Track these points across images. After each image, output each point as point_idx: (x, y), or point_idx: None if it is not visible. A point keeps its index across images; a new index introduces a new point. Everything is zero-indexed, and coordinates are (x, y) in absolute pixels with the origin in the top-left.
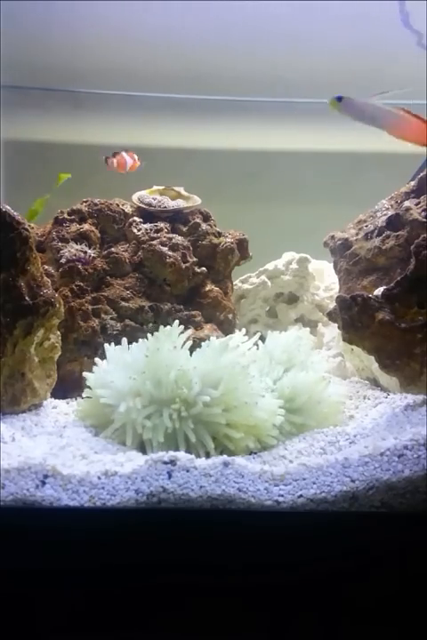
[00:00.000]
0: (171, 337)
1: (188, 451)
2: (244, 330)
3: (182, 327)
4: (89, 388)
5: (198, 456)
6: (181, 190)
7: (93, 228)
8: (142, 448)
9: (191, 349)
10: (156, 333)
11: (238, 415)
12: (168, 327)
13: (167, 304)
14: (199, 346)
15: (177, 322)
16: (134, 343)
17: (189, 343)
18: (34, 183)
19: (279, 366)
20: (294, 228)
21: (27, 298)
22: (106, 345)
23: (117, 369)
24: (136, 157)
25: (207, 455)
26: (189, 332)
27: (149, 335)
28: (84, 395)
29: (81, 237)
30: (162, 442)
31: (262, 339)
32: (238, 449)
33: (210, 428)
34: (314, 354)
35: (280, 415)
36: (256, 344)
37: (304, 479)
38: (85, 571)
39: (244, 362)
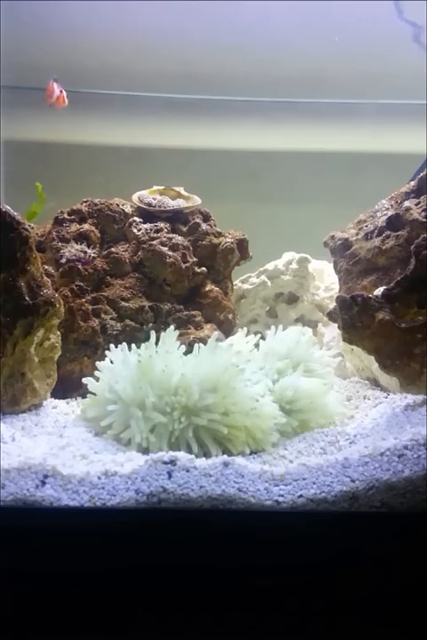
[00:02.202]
0: (166, 344)
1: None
2: (245, 329)
3: (177, 332)
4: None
5: (198, 456)
6: (181, 190)
7: (93, 228)
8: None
9: (190, 350)
10: (147, 343)
11: (236, 420)
12: (164, 333)
13: (167, 304)
14: (199, 346)
15: (172, 327)
16: (135, 348)
17: (183, 348)
18: (34, 183)
19: (279, 362)
20: (294, 227)
21: (27, 298)
22: (107, 352)
23: (120, 378)
24: (65, 95)
25: (207, 455)
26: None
27: (150, 340)
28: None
29: (81, 237)
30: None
31: (264, 339)
32: (238, 452)
33: (211, 433)
34: (315, 348)
35: (280, 417)
36: (257, 344)
37: (304, 479)
38: (86, 571)
39: (238, 361)
